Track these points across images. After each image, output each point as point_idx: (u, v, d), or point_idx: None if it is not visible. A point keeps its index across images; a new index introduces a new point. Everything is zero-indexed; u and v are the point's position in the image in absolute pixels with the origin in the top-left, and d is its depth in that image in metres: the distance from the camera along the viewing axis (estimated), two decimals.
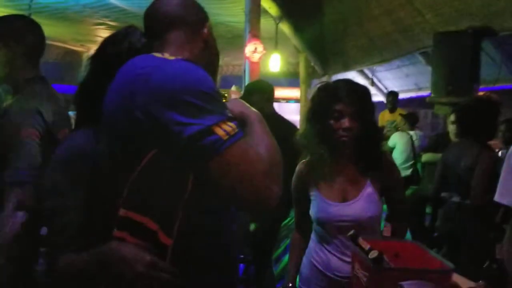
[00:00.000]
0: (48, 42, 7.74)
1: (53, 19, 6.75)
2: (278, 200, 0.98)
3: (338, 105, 1.68)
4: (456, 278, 1.28)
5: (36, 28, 1.84)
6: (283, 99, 9.87)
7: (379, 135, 1.86)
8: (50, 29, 7.31)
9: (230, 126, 0.95)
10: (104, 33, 7.65)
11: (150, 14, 1.20)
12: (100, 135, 1.12)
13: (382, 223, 1.72)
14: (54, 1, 5.86)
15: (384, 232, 1.65)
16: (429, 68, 6.38)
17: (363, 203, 1.72)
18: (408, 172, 5.28)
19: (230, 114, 0.99)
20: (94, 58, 1.33)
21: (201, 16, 1.22)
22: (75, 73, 9.25)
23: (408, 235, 4.27)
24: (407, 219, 1.92)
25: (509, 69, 6.01)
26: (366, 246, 1.37)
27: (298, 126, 7.88)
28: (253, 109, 1.12)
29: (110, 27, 7.13)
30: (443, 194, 3.55)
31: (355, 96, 1.69)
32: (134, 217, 1.00)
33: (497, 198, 1.64)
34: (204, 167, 0.93)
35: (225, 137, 0.94)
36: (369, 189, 1.73)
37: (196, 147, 0.92)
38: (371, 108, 1.79)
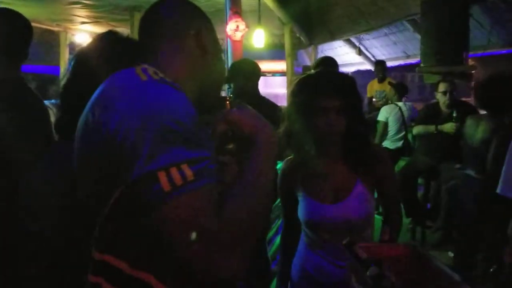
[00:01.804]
0: None
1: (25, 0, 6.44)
2: (240, 275, 0.81)
3: (320, 100, 1.53)
4: None
5: (20, 23, 1.67)
6: (269, 72, 9.52)
7: (368, 129, 1.72)
8: (23, 10, 6.92)
9: (182, 173, 0.76)
10: (80, 12, 7.37)
11: (143, 18, 1.08)
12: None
13: (378, 223, 1.62)
14: None
15: (381, 236, 1.54)
16: (417, 36, 6.26)
17: (354, 202, 1.59)
18: (399, 144, 5.23)
19: (195, 154, 0.79)
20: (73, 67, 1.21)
21: (197, 20, 1.08)
22: (53, 53, 8.99)
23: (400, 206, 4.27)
24: (400, 212, 1.81)
25: (499, 34, 5.89)
26: (363, 255, 1.28)
27: (285, 101, 7.83)
28: (268, 125, 0.95)
29: (85, 5, 6.83)
30: (456, 166, 3.50)
31: (338, 89, 1.55)
32: (111, 261, 0.85)
33: (501, 191, 1.52)
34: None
35: (167, 189, 0.74)
36: (360, 187, 1.60)
37: (136, 195, 0.76)
38: (357, 100, 1.65)
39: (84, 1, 6.61)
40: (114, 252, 0.85)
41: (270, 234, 4.43)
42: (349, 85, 1.61)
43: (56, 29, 8.56)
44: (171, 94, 0.85)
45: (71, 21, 8.13)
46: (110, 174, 0.81)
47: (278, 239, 4.05)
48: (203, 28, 1.06)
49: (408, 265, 1.34)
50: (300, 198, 1.67)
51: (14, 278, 1.35)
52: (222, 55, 1.15)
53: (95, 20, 7.87)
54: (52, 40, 9.24)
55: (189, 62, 1.04)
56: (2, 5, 5.74)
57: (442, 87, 4.25)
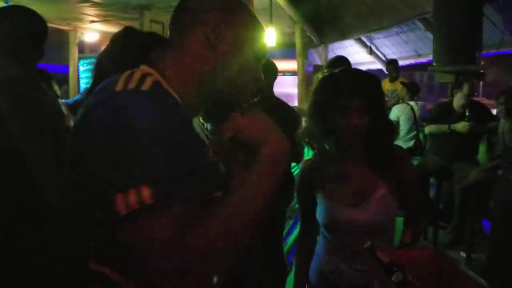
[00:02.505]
0: None
1: None
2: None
3: (344, 100, 1.47)
4: None
5: (33, 21, 1.65)
6: (280, 72, 9.33)
7: (392, 130, 1.66)
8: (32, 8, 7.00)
9: (140, 195, 0.72)
10: (89, 11, 7.38)
11: (176, 6, 1.00)
12: None
13: (399, 227, 1.58)
14: None
15: (403, 239, 1.51)
16: (429, 34, 6.22)
17: (376, 206, 1.52)
18: (411, 143, 5.19)
19: (157, 174, 0.74)
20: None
21: (216, 12, 0.94)
22: (63, 52, 9.00)
23: None
24: (421, 215, 1.76)
25: None
26: (386, 259, 1.25)
27: (296, 100, 7.76)
28: (278, 136, 0.89)
29: (95, 4, 6.83)
30: (499, 172, 3.49)
31: (362, 89, 1.49)
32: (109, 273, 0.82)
33: None
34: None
35: (123, 212, 0.72)
36: (382, 191, 1.54)
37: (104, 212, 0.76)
38: (382, 100, 1.60)
39: (94, 0, 6.62)
40: (107, 264, 0.83)
41: (283, 233, 4.41)
42: (373, 84, 1.55)
43: (65, 28, 8.57)
44: (139, 107, 0.78)
45: (80, 20, 8.14)
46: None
47: (290, 239, 4.04)
48: (222, 22, 0.94)
49: (432, 270, 1.31)
50: (319, 200, 1.62)
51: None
52: (253, 55, 0.99)
53: (105, 19, 7.87)
54: (61, 39, 9.27)
55: (195, 60, 0.94)
56: (12, 3, 5.78)
57: (466, 88, 4.18)
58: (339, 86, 1.50)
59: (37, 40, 1.71)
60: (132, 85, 0.81)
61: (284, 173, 0.87)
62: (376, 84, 1.57)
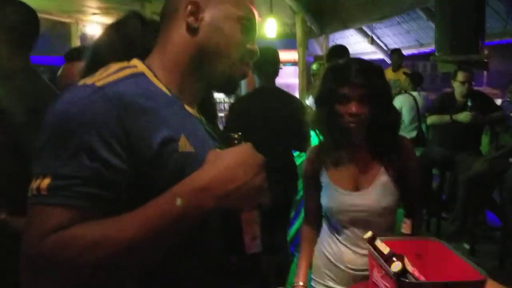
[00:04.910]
0: None
1: None
2: None
3: (345, 88, 1.52)
4: (490, 285, 1.16)
5: (26, 14, 1.65)
6: (281, 62, 9.37)
7: (395, 118, 1.68)
8: (33, 2, 6.99)
9: (39, 184, 0.73)
10: (91, 3, 7.36)
11: None
12: None
13: (400, 216, 1.59)
14: None
15: (403, 229, 1.53)
16: (431, 24, 6.17)
17: (377, 192, 1.59)
18: (413, 134, 5.18)
19: (63, 171, 0.73)
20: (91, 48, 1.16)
21: None
22: (65, 44, 8.99)
23: None
24: (422, 208, 1.79)
25: None
26: (385, 250, 1.26)
27: (297, 91, 7.73)
28: (233, 185, 0.79)
29: None
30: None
31: (364, 78, 1.51)
32: None
33: None
34: None
35: (29, 194, 0.75)
36: (383, 177, 1.61)
37: None
38: (384, 89, 1.61)
39: None
40: None
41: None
42: (375, 73, 1.58)
43: (67, 20, 8.55)
44: (75, 101, 0.78)
45: (82, 12, 8.12)
46: None
47: (292, 230, 4.05)
48: (198, 4, 0.92)
49: (431, 259, 1.32)
50: (323, 185, 1.69)
51: None
52: (244, 37, 0.96)
53: (106, 11, 7.85)
54: (63, 32, 9.25)
55: (179, 48, 0.93)
56: None
57: (460, 76, 4.17)
58: (343, 75, 1.54)
59: (31, 32, 1.71)
60: (94, 79, 0.82)
61: (199, 219, 0.78)
62: (377, 73, 1.60)
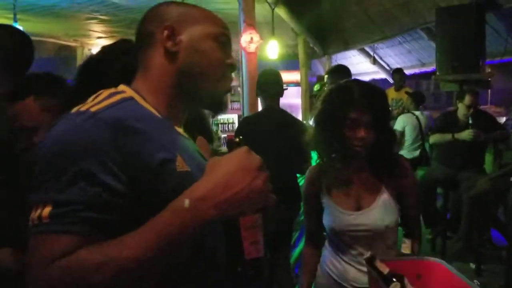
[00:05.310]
0: (39, 38, 7.55)
1: (41, 16, 6.57)
2: None
3: (353, 113, 1.52)
4: None
5: (20, 40, 1.68)
6: (283, 83, 9.44)
7: (393, 139, 1.71)
8: (39, 26, 7.15)
9: (41, 212, 0.74)
10: (96, 27, 7.50)
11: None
12: None
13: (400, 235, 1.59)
14: None
15: (403, 249, 1.52)
16: (432, 44, 6.22)
17: (379, 211, 1.60)
18: (416, 153, 5.17)
19: (61, 197, 0.74)
20: (83, 70, 1.18)
21: (171, 17, 0.96)
22: (71, 67, 9.12)
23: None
24: (419, 227, 1.81)
25: None
26: (385, 270, 1.25)
27: (300, 111, 7.74)
28: (232, 189, 0.78)
29: (101, 21, 6.95)
30: None
31: (370, 103, 1.54)
32: None
33: None
34: None
35: (29, 223, 0.75)
36: (384, 196, 1.62)
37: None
38: (387, 115, 1.66)
39: (100, 17, 6.72)
40: None
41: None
42: (381, 98, 1.61)
43: (73, 44, 8.72)
44: (72, 129, 0.79)
45: (87, 36, 8.27)
46: None
47: (296, 252, 4.02)
48: (173, 29, 0.95)
49: (431, 280, 1.31)
50: (325, 205, 1.69)
51: None
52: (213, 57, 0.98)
53: (111, 35, 7.99)
54: (69, 55, 9.40)
55: (161, 73, 0.95)
56: (22, 22, 5.91)
57: (468, 100, 4.17)
58: (350, 99, 1.54)
59: (26, 57, 1.74)
60: (87, 106, 0.83)
61: (200, 228, 0.77)
62: (384, 99, 1.64)
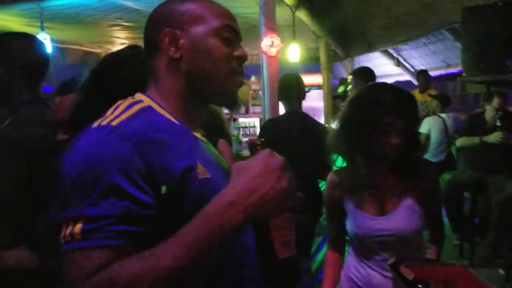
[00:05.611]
0: (64, 46, 7.74)
1: (66, 24, 6.71)
2: None
3: (387, 117, 1.48)
4: None
5: (36, 47, 1.71)
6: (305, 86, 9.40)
7: (418, 143, 1.68)
8: (65, 33, 7.31)
9: (72, 229, 0.75)
10: (119, 34, 7.62)
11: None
12: None
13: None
14: (65, 7, 5.79)
15: (428, 254, 1.48)
16: (458, 44, 6.09)
17: (403, 215, 1.56)
18: (442, 156, 5.05)
19: (92, 212, 0.75)
20: (92, 78, 1.17)
21: (170, 21, 0.94)
22: None
23: (446, 221, 4.10)
24: (443, 229, 1.76)
25: None
26: (410, 276, 1.21)
27: (322, 114, 7.70)
28: (263, 193, 0.78)
29: (124, 27, 7.06)
30: None
31: (403, 107, 1.51)
32: None
33: None
34: None
35: (61, 241, 0.76)
36: (409, 200, 1.58)
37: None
38: (417, 120, 1.63)
39: (124, 23, 6.83)
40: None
41: (311, 250, 4.37)
42: (412, 103, 1.58)
43: (97, 50, 8.87)
44: (95, 144, 0.80)
45: (111, 42, 8.41)
46: None
47: (319, 256, 3.98)
48: (174, 34, 0.93)
49: (458, 286, 1.26)
50: (347, 210, 1.66)
51: None
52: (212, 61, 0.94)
53: (134, 41, 8.09)
54: (92, 61, 9.56)
55: (169, 79, 0.95)
56: (48, 30, 6.04)
57: (496, 103, 4.08)
58: (383, 103, 1.51)
59: (43, 65, 1.76)
60: (107, 119, 0.84)
61: (230, 233, 0.77)
62: (415, 103, 1.60)
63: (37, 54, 1.70)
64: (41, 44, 1.75)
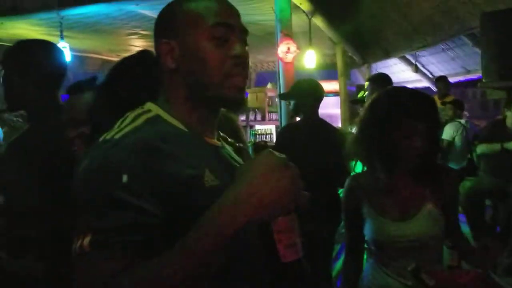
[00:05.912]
0: (84, 54, 7.88)
1: (85, 33, 6.81)
2: None
3: (406, 120, 1.48)
4: None
5: (55, 54, 1.73)
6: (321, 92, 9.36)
7: (439, 147, 1.70)
8: (84, 42, 7.43)
9: (82, 242, 0.76)
10: (137, 42, 7.70)
11: None
12: None
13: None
14: (84, 16, 5.88)
15: (450, 261, 1.45)
16: (477, 50, 6.00)
17: (425, 220, 1.54)
18: (464, 163, 4.97)
19: (100, 224, 0.77)
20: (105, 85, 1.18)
21: (168, 31, 0.95)
22: None
23: (467, 229, 4.02)
24: (464, 235, 1.72)
25: None
26: (431, 282, 1.19)
27: (339, 121, 7.67)
28: (263, 187, 0.77)
29: (142, 36, 7.14)
30: None
31: (423, 111, 1.51)
32: None
33: None
34: None
35: (73, 252, 0.78)
36: (429, 205, 1.55)
37: None
38: (439, 124, 1.63)
39: (141, 32, 6.90)
40: None
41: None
42: (433, 105, 1.58)
43: (115, 59, 8.96)
44: (99, 158, 0.83)
45: (129, 51, 8.47)
46: None
47: (338, 264, 3.93)
48: (168, 44, 0.94)
49: None
50: (366, 216, 1.63)
51: None
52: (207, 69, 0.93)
53: (151, 49, 8.17)
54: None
55: (173, 88, 0.97)
56: (68, 39, 6.14)
57: None
58: (405, 107, 1.50)
59: (61, 72, 1.77)
60: (112, 133, 0.86)
61: (235, 235, 0.76)
62: (436, 106, 1.61)
63: (56, 62, 1.72)
64: (60, 51, 1.77)
